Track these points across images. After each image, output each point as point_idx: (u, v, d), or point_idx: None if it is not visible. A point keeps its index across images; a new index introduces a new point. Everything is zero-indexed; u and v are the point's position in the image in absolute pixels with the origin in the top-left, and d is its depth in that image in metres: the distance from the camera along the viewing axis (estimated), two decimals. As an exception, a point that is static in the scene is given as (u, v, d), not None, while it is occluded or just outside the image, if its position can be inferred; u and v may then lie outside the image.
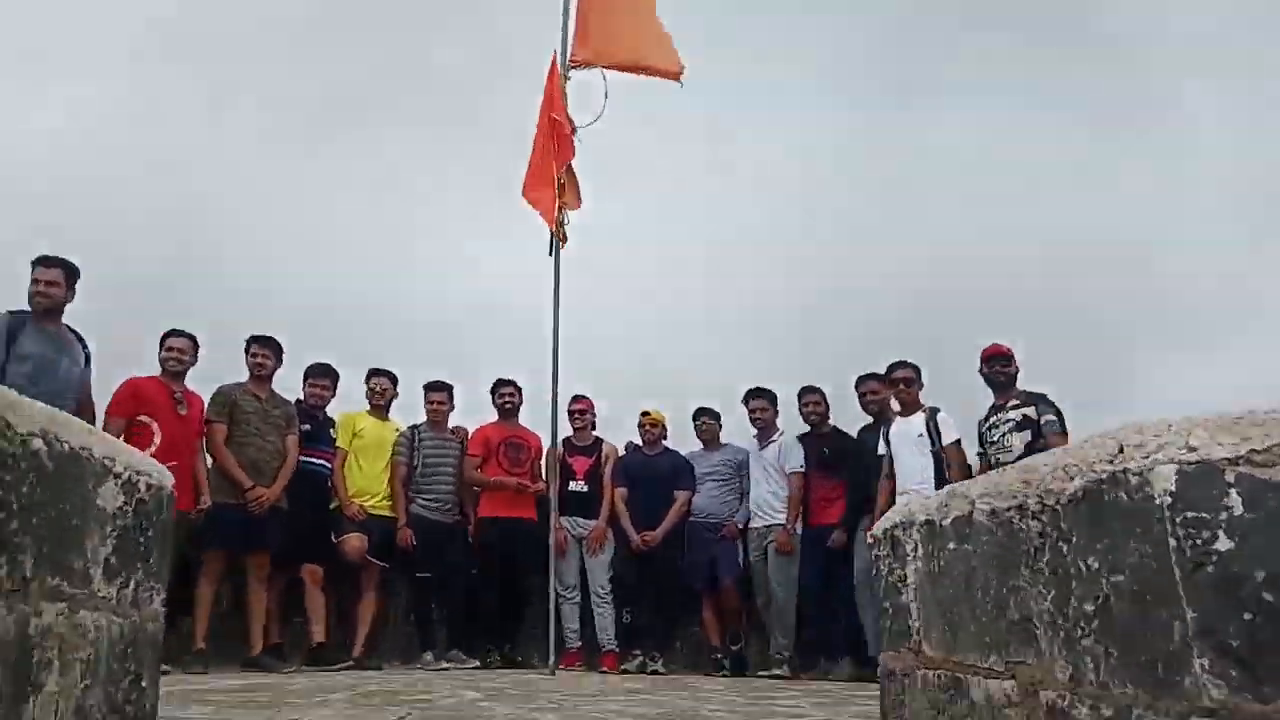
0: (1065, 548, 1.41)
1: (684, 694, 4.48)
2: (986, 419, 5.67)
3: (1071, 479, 1.38)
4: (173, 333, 5.73)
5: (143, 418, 5.42)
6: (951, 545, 1.87)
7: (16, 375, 4.70)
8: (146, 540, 1.99)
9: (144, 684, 2.02)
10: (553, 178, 6.45)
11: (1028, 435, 5.38)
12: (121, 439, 5.18)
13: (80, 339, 5.24)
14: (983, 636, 1.71)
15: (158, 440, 5.37)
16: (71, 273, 5.14)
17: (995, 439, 5.51)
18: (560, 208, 6.54)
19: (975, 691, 1.76)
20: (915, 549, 2.11)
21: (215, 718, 2.86)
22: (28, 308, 5.03)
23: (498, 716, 3.06)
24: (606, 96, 6.34)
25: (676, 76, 6.44)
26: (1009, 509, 1.60)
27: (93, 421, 5.24)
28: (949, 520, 1.88)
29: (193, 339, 5.78)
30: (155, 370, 5.71)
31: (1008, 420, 5.45)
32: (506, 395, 7.07)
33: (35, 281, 5.03)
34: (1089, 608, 1.33)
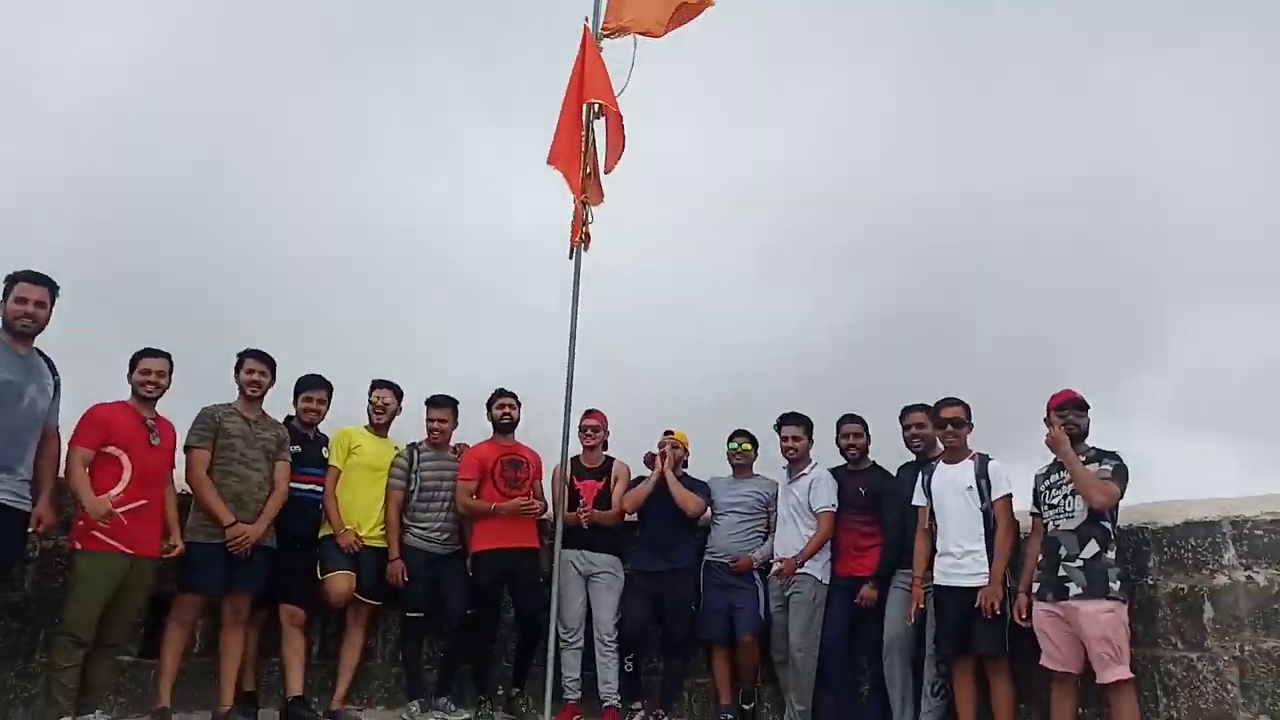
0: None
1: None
2: (1046, 475, 5.03)
3: None
4: (146, 352, 5.18)
5: (111, 449, 4.90)
6: None
7: None
8: None
9: None
10: (578, 168, 6.18)
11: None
12: (87, 473, 4.81)
13: (51, 366, 4.77)
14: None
15: (127, 475, 4.89)
16: (55, 292, 4.69)
17: (1055, 501, 4.87)
18: (584, 204, 6.21)
19: None
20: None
21: None
22: None
23: None
24: (634, 65, 6.25)
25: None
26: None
27: (58, 457, 4.81)
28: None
29: (168, 358, 5.24)
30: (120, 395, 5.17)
31: (1071, 479, 4.80)
32: (506, 408, 6.38)
33: (22, 300, 4.55)
34: None
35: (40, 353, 4.72)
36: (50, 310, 4.66)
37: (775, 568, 5.92)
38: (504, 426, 6.41)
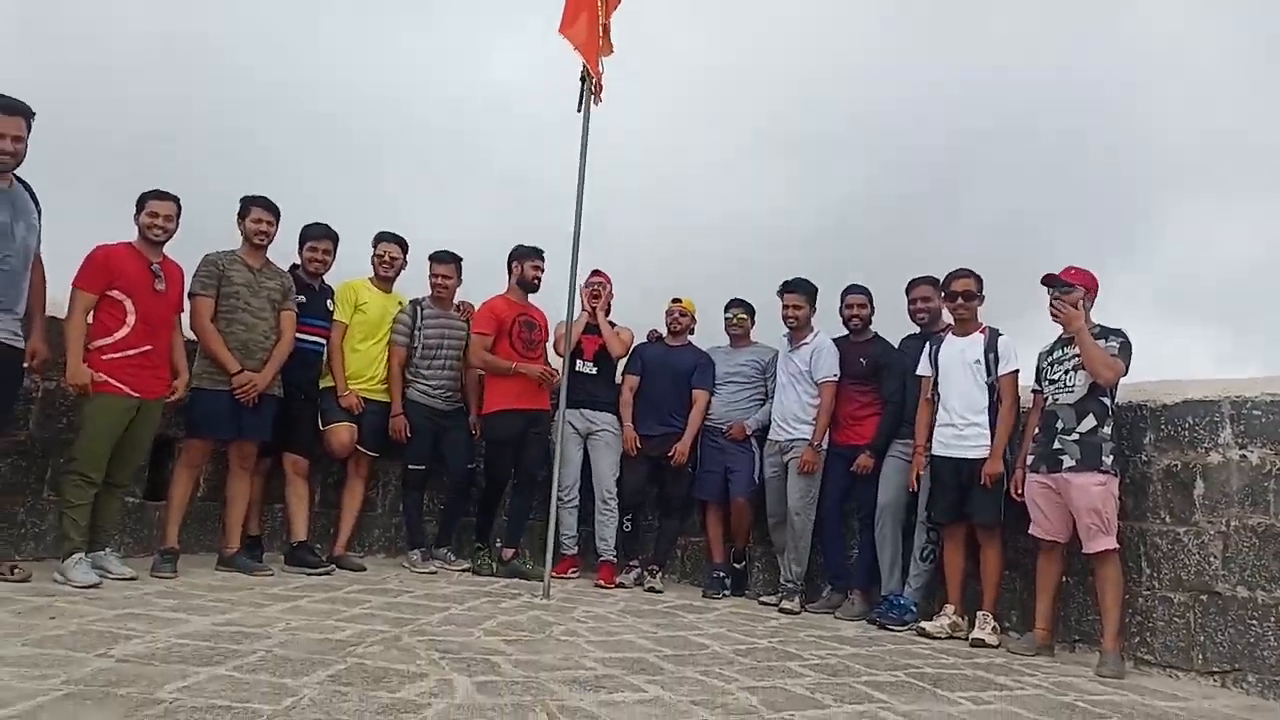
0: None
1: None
2: (1049, 352, 5.04)
3: None
4: (154, 194, 5.00)
5: (115, 293, 4.81)
6: None
7: None
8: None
9: None
10: (596, 18, 5.87)
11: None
12: (87, 324, 4.76)
13: (33, 195, 4.53)
14: None
15: (131, 320, 4.84)
16: (31, 119, 4.48)
17: (1056, 376, 4.91)
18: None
19: None
20: None
21: None
22: None
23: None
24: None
25: None
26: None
27: (44, 285, 4.69)
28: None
29: (176, 201, 5.08)
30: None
31: (1073, 355, 4.83)
32: (539, 270, 6.42)
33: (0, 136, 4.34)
34: None
35: (19, 180, 4.49)
36: (27, 141, 4.42)
37: (796, 460, 5.91)
38: (533, 287, 6.45)
